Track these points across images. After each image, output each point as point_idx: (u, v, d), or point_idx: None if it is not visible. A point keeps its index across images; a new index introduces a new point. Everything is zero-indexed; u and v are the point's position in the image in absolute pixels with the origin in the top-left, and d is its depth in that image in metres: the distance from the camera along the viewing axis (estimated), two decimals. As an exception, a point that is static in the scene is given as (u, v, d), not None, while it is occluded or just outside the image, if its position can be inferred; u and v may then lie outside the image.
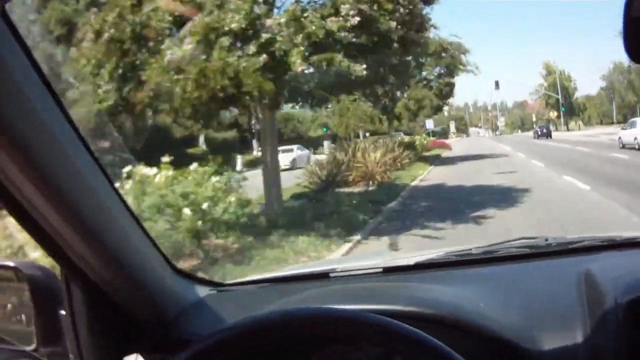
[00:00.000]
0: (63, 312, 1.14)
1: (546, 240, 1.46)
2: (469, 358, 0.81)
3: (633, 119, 24.37)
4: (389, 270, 1.38)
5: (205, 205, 6.48)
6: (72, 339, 1.14)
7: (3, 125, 0.78)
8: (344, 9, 7.68)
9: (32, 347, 1.16)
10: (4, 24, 0.78)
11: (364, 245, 7.49)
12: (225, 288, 1.41)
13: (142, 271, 1.10)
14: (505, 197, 10.07)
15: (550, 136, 42.85)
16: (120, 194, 1.04)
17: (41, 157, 0.85)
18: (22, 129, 0.81)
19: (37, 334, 1.16)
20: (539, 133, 44.52)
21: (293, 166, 20.15)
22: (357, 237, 7.78)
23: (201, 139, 24.48)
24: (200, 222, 6.35)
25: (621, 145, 22.24)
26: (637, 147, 20.71)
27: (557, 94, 54.52)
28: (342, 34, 7.57)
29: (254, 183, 8.76)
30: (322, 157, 17.95)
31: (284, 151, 18.79)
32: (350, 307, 1.03)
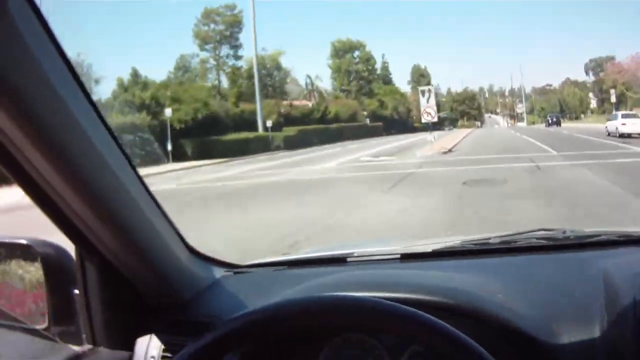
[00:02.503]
0: (76, 291, 1.13)
1: (564, 232, 1.47)
2: (486, 348, 0.80)
3: (615, 112, 28.46)
4: (406, 257, 1.37)
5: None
6: (84, 318, 1.13)
7: (28, 113, 0.78)
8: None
9: (44, 325, 1.15)
10: (34, 15, 0.77)
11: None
12: (242, 270, 1.40)
13: (158, 251, 1.08)
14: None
15: (560, 124, 47.25)
16: (139, 174, 1.02)
17: (59, 138, 0.84)
18: (43, 113, 0.80)
19: (49, 312, 1.14)
20: (549, 122, 49.05)
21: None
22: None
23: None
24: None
25: (607, 133, 26.20)
26: (617, 135, 24.24)
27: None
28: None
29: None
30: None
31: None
32: (368, 294, 1.02)
